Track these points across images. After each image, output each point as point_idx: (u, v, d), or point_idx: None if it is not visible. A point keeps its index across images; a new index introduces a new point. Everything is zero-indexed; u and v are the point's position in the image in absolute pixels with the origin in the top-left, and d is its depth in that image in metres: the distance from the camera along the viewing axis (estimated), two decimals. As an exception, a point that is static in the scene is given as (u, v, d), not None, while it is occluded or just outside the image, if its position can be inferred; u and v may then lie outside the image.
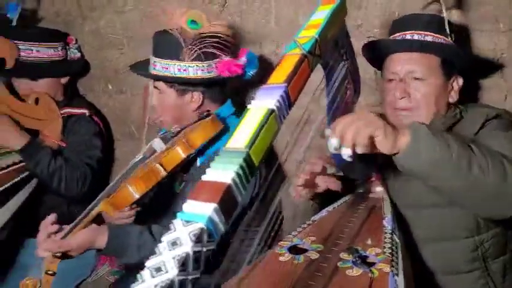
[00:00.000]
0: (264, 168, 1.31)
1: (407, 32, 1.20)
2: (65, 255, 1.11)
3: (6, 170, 1.55)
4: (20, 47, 1.70)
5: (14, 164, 1.58)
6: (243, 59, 1.37)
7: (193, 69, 1.31)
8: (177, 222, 0.47)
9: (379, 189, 1.21)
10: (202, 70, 1.31)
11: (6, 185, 1.53)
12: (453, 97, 1.21)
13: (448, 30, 1.20)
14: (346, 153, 0.86)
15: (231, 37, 1.34)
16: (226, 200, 0.49)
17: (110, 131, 2.01)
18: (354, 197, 1.20)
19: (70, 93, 1.90)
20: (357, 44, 1.11)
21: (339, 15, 0.77)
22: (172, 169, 1.19)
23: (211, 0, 1.69)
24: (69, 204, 1.74)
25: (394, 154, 0.90)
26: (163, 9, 1.34)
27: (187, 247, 0.45)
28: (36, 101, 1.69)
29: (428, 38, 1.18)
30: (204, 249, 0.46)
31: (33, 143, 1.61)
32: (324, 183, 1.14)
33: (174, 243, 0.45)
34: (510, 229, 1.17)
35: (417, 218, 1.15)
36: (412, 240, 1.14)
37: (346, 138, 0.85)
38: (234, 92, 1.47)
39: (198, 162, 1.36)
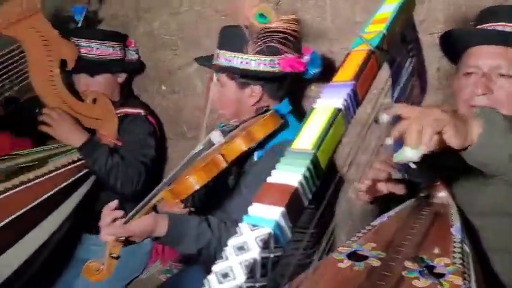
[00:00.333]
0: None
1: (500, 23, 1.08)
2: (127, 241, 1.13)
3: (68, 167, 1.61)
4: (81, 44, 1.77)
5: (74, 161, 1.64)
6: (306, 57, 1.35)
7: (256, 63, 1.30)
8: (243, 226, 0.44)
9: (442, 195, 1.12)
10: (264, 64, 1.30)
11: (67, 181, 1.59)
12: None
13: None
14: (408, 156, 0.76)
15: (298, 34, 1.32)
16: (293, 204, 0.47)
17: (162, 130, 2.05)
18: (416, 202, 1.13)
19: (126, 93, 1.95)
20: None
21: (407, 7, 0.72)
22: (233, 161, 1.18)
23: (264, -1, 1.68)
24: (122, 201, 1.78)
25: (465, 149, 0.80)
26: (234, 3, 1.33)
27: (254, 252, 0.42)
28: (94, 101, 1.75)
29: None
30: (272, 255, 0.44)
31: (92, 141, 1.66)
32: (386, 188, 1.08)
33: (241, 248, 0.43)
34: None
35: (489, 228, 1.06)
36: (481, 251, 1.06)
37: (410, 138, 0.75)
38: (289, 91, 1.44)
39: (256, 156, 1.35)
